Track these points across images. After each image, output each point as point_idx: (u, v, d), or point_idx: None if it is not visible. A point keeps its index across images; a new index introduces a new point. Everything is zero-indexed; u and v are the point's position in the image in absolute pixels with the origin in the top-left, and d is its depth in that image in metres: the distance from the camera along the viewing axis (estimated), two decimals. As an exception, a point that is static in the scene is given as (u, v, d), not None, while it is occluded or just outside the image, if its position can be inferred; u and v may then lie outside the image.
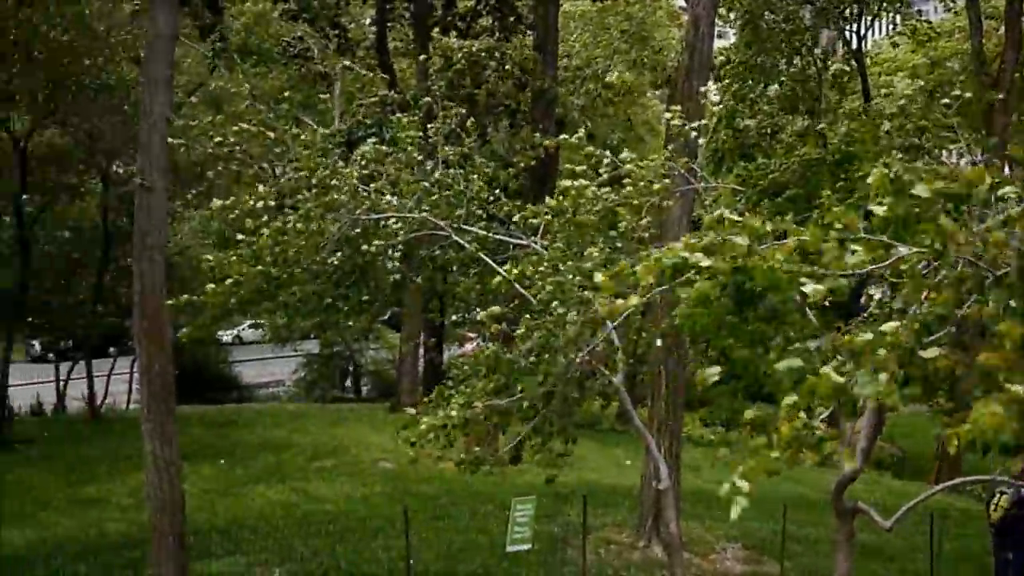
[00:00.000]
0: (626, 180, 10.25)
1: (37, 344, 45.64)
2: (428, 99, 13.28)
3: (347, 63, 29.61)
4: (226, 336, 48.79)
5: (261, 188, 11.88)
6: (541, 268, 9.51)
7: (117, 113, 25.29)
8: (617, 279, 4.96)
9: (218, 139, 12.00)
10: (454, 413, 9.13)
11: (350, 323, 29.72)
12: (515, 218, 10.62)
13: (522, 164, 12.83)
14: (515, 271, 9.60)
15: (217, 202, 12.28)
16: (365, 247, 10.69)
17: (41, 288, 31.50)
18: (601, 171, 10.25)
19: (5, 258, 30.31)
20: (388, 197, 10.93)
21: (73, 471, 23.55)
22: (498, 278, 9.76)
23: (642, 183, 10.16)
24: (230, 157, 12.13)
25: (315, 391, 42.80)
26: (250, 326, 53.15)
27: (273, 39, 31.72)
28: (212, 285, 10.80)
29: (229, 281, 10.72)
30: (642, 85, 30.87)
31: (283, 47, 30.65)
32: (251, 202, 11.43)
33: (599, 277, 5.21)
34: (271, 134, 11.73)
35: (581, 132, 11.45)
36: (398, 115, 12.95)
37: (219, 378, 41.63)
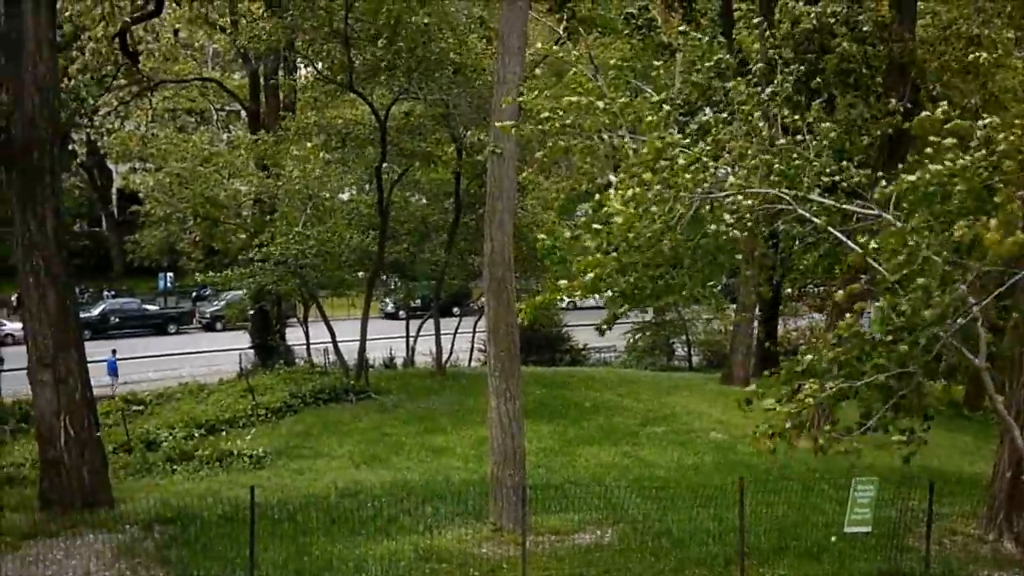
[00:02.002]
0: (999, 150, 9.37)
1: (390, 302, 48.99)
2: (760, 65, 12.84)
3: (687, 28, 29.40)
4: (562, 301, 50.20)
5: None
6: (910, 242, 8.87)
7: (470, 86, 26.51)
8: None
9: (552, 111, 11.94)
10: (811, 401, 8.86)
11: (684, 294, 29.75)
12: (875, 191, 9.97)
13: (877, 132, 12.16)
14: (872, 244, 9.09)
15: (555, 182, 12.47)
16: (714, 227, 10.35)
17: (396, 250, 33.78)
18: (972, 145, 9.41)
19: (367, 222, 32.72)
20: (728, 170, 10.62)
21: (422, 421, 25.25)
22: (852, 253, 9.31)
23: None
24: (566, 129, 12.11)
25: (646, 358, 43.17)
26: (584, 294, 54.44)
27: (617, 10, 32.06)
28: (564, 282, 10.83)
29: (590, 276, 10.61)
30: (1007, 44, 28.34)
31: (626, 17, 30.85)
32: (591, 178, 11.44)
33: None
34: (600, 103, 11.65)
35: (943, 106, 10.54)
36: (736, 79, 12.56)
37: (555, 340, 42.90)
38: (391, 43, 24.51)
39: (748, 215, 10.35)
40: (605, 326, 11.57)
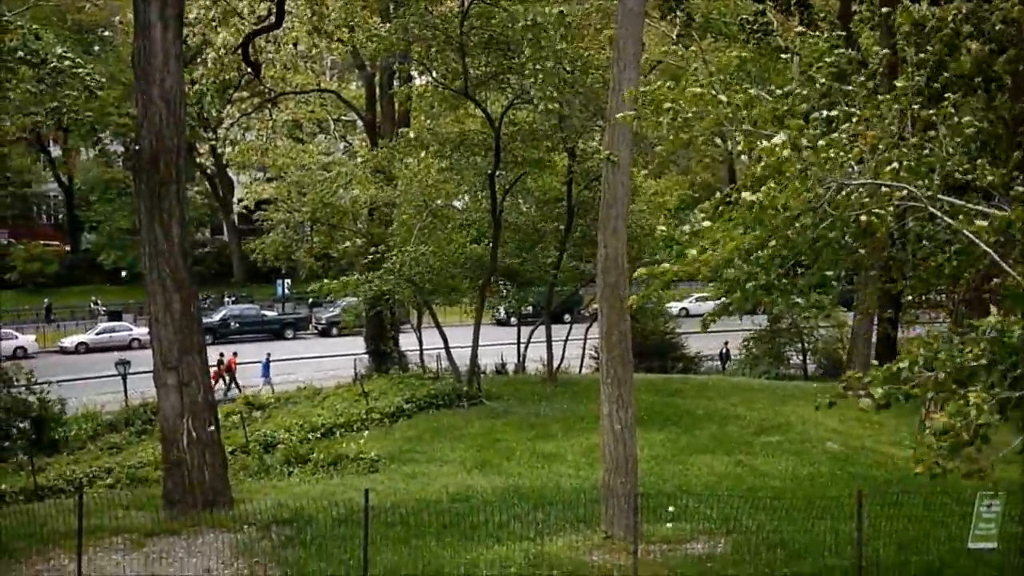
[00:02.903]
0: None
1: (502, 309, 49.33)
2: (885, 53, 12.36)
3: (805, 30, 28.90)
4: (674, 308, 49.86)
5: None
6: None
7: (583, 85, 26.40)
8: None
9: (674, 102, 11.59)
10: (985, 409, 7.63)
11: (799, 300, 29.13)
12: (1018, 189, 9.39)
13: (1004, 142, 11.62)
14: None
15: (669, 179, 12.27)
16: (855, 216, 9.88)
17: (508, 257, 33.95)
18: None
19: (479, 229, 33.00)
20: (856, 167, 10.20)
21: (533, 427, 25.31)
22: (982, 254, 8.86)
23: None
24: (683, 129, 11.77)
25: (760, 366, 42.46)
26: (698, 299, 54.01)
27: (732, 15, 31.72)
28: (693, 251, 10.23)
29: (724, 249, 10.05)
30: None
31: (741, 22, 30.55)
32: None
33: None
34: (723, 96, 11.30)
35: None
36: (857, 79, 12.17)
37: (666, 348, 42.55)
38: (507, 48, 24.62)
39: (879, 209, 9.92)
40: (711, 321, 11.18)
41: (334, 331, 55.22)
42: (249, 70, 31.29)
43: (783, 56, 29.10)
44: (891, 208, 9.69)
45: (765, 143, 9.59)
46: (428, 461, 22.48)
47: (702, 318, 11.34)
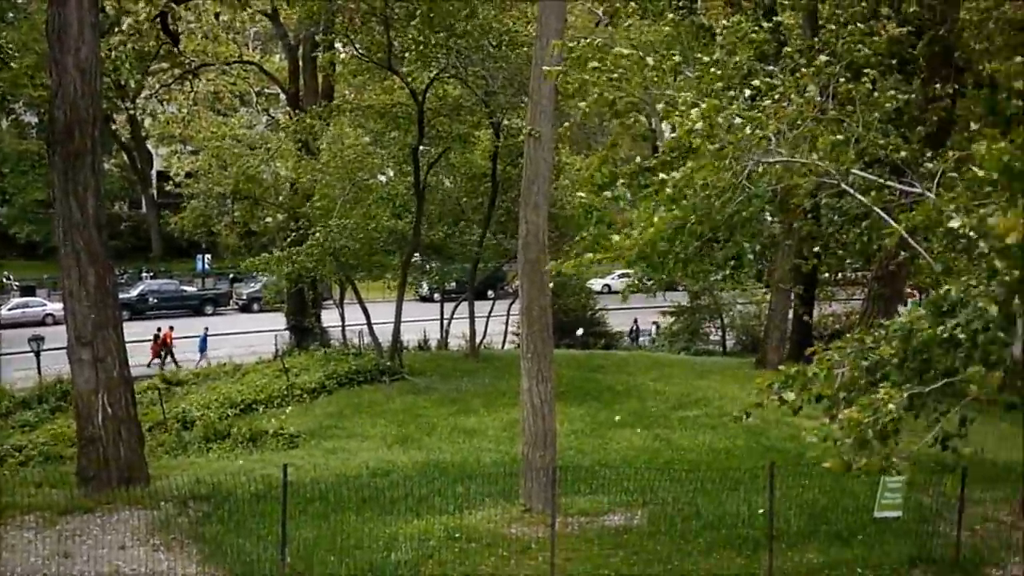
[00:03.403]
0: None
1: (425, 285, 49.25)
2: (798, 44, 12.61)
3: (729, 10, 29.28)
4: (596, 284, 50.25)
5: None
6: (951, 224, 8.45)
7: (509, 61, 26.32)
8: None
9: (600, 60, 11.55)
10: (891, 407, 7.89)
11: (718, 276, 29.58)
12: (926, 166, 9.61)
13: (925, 116, 11.91)
14: (909, 222, 8.77)
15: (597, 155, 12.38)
16: (771, 192, 10.05)
17: (431, 232, 33.88)
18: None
19: (403, 204, 32.86)
20: (773, 140, 10.29)
21: (454, 403, 25.39)
22: (890, 232, 9.08)
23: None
24: (608, 89, 11.74)
25: (679, 342, 43.07)
26: (620, 275, 54.47)
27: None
28: (617, 237, 10.31)
29: (649, 232, 10.10)
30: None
31: (669, -1, 30.71)
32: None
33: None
34: (649, 60, 11.33)
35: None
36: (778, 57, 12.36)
37: (588, 324, 42.92)
38: (430, 21, 24.47)
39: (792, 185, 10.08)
40: (626, 294, 11.37)
41: (255, 307, 54.59)
42: (168, 40, 30.69)
43: (705, 35, 29.35)
44: (805, 184, 9.88)
45: (681, 118, 9.72)
46: (349, 437, 22.44)
47: (620, 292, 11.53)
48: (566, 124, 15.54)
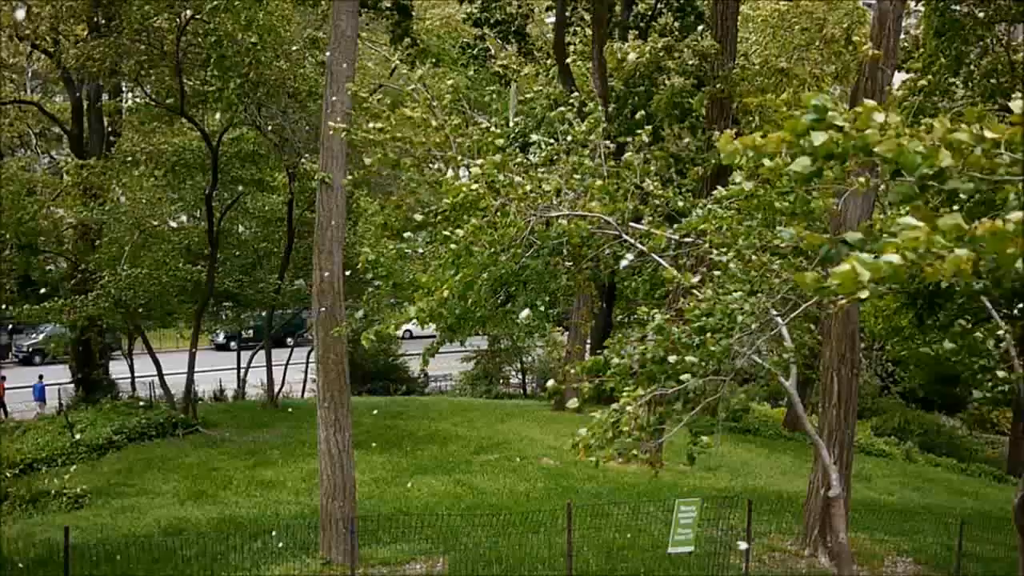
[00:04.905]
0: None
1: (220, 333, 47.89)
2: (584, 95, 13.10)
3: (522, 59, 30.06)
4: (397, 331, 50.00)
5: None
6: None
7: (306, 111, 26.20)
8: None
9: (385, 119, 11.73)
10: (629, 409, 8.49)
11: (518, 322, 29.99)
12: (688, 218, 10.21)
13: (703, 165, 12.58)
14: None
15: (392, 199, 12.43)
16: (556, 245, 10.36)
17: (227, 279, 33.01)
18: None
19: (195, 251, 31.89)
20: (559, 195, 10.67)
21: (252, 454, 24.68)
22: (666, 271, 9.57)
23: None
24: (396, 141, 11.91)
25: (480, 386, 43.41)
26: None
27: (454, 41, 32.39)
28: (419, 305, 10.48)
29: (436, 296, 10.31)
30: (823, 79, 29.97)
31: (463, 47, 31.26)
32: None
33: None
34: (433, 121, 11.56)
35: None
36: (561, 109, 12.76)
37: (389, 370, 42.71)
38: (220, 67, 24.03)
39: (575, 238, 10.44)
40: (430, 356, 11.54)
41: (37, 359, 51.64)
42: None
43: (501, 83, 30.04)
44: (586, 234, 10.24)
45: (453, 174, 9.99)
46: (139, 494, 21.41)
47: (422, 356, 11.69)
48: (359, 172, 15.53)
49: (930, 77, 29.28)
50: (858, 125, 4.33)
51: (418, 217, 11.05)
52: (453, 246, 10.01)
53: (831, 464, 10.64)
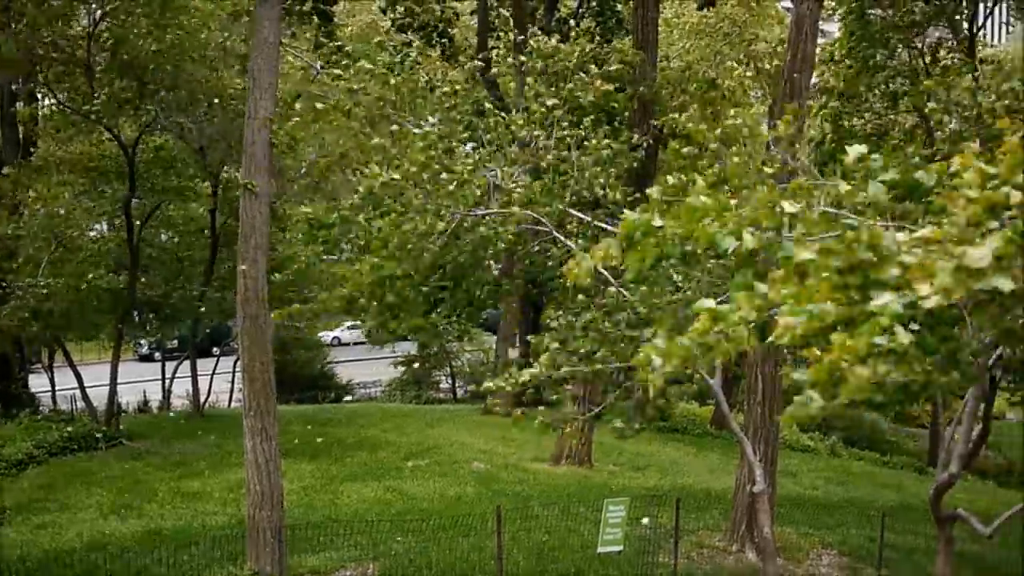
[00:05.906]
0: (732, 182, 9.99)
1: (144, 343, 47.05)
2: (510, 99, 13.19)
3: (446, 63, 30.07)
4: (326, 337, 49.74)
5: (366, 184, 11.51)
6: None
7: (227, 119, 25.86)
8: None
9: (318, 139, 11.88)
10: (525, 375, 8.97)
11: (447, 325, 29.95)
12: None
13: (624, 166, 12.71)
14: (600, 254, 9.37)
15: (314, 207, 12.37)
16: (482, 244, 10.42)
17: (149, 289, 32.43)
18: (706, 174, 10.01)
19: (116, 260, 31.30)
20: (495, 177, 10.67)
21: (177, 466, 24.28)
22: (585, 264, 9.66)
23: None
24: (333, 161, 12.02)
25: (409, 392, 43.28)
26: (350, 327, 54.18)
27: (378, 46, 32.29)
28: (326, 293, 10.59)
29: (346, 288, 10.43)
30: (744, 86, 30.48)
31: (388, 52, 31.21)
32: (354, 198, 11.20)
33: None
34: (367, 129, 11.58)
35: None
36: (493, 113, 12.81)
37: (318, 378, 42.42)
38: (131, 73, 23.70)
39: (506, 233, 10.49)
40: (374, 343, 11.57)
41: (-49, 375, 50.29)
42: None
43: (425, 88, 29.94)
44: (512, 233, 10.28)
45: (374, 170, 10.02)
46: (61, 509, 20.93)
47: (367, 331, 11.72)
48: (285, 178, 15.48)
49: (843, 81, 30.00)
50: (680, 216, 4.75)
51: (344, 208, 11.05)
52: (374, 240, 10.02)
53: (755, 461, 10.83)
